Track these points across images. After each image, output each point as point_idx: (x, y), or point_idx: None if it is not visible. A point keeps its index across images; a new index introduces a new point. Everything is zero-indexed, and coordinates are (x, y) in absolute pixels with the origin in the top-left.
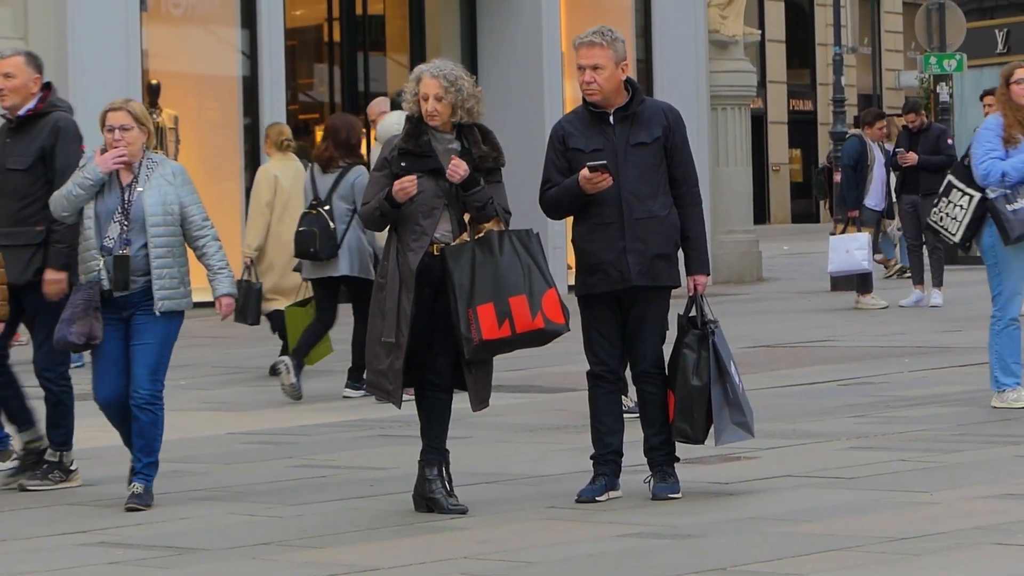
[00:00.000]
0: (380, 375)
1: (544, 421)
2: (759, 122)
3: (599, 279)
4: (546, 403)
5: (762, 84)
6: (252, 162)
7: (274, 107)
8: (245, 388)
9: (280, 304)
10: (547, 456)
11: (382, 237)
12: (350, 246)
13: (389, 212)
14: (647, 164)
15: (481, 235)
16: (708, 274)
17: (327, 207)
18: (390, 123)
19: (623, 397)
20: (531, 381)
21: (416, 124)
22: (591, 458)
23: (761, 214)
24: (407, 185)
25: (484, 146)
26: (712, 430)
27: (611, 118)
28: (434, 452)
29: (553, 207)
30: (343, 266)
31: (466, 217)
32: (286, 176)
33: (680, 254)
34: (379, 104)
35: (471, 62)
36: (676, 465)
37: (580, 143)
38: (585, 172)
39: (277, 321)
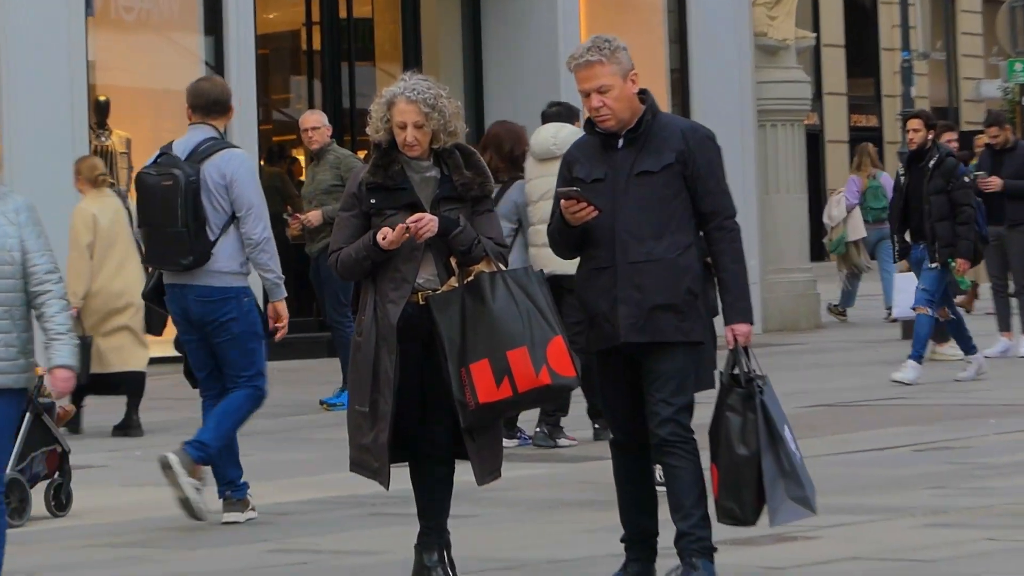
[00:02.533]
0: (364, 451)
1: (566, 495)
2: (815, 141)
3: (596, 334)
4: (569, 474)
5: (818, 96)
6: None
7: (243, 127)
8: None
9: (138, 363)
10: (570, 538)
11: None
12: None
13: (379, 257)
14: (652, 197)
15: (471, 279)
16: (750, 323)
17: None
18: (544, 137)
19: (656, 468)
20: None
21: (385, 153)
22: (621, 540)
23: (819, 249)
24: (396, 235)
25: (467, 171)
26: (765, 508)
27: (620, 141)
28: (433, 534)
29: (553, 243)
30: None
31: (453, 261)
32: (105, 215)
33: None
34: (314, 118)
35: (475, 74)
36: (716, 554)
37: (583, 172)
38: (563, 201)
39: (131, 384)
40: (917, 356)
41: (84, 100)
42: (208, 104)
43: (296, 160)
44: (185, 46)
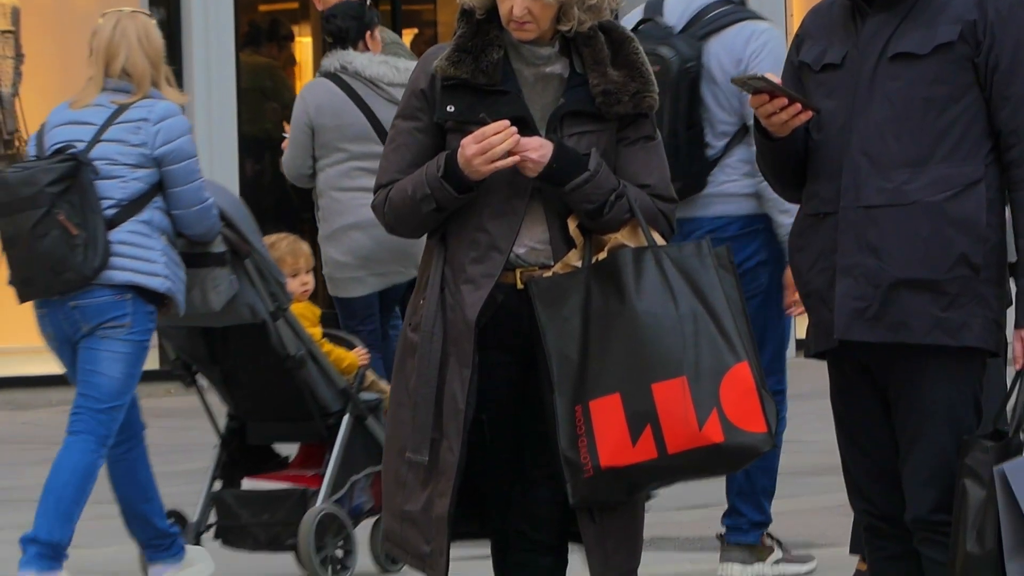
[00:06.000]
0: (407, 523)
1: None
2: None
3: (813, 326)
4: None
5: None
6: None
7: None
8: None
9: None
10: None
11: None
12: None
13: (451, 202)
14: (913, 97)
15: (603, 256)
16: None
17: None
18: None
19: None
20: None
21: (478, 29)
22: None
23: None
24: (496, 140)
25: (613, 70)
26: None
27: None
28: None
29: (759, 160)
30: None
31: (572, 223)
32: None
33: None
34: None
35: None
36: None
37: (813, 52)
38: (751, 97)
39: None
40: None
41: None
42: None
43: (299, 45)
44: None
